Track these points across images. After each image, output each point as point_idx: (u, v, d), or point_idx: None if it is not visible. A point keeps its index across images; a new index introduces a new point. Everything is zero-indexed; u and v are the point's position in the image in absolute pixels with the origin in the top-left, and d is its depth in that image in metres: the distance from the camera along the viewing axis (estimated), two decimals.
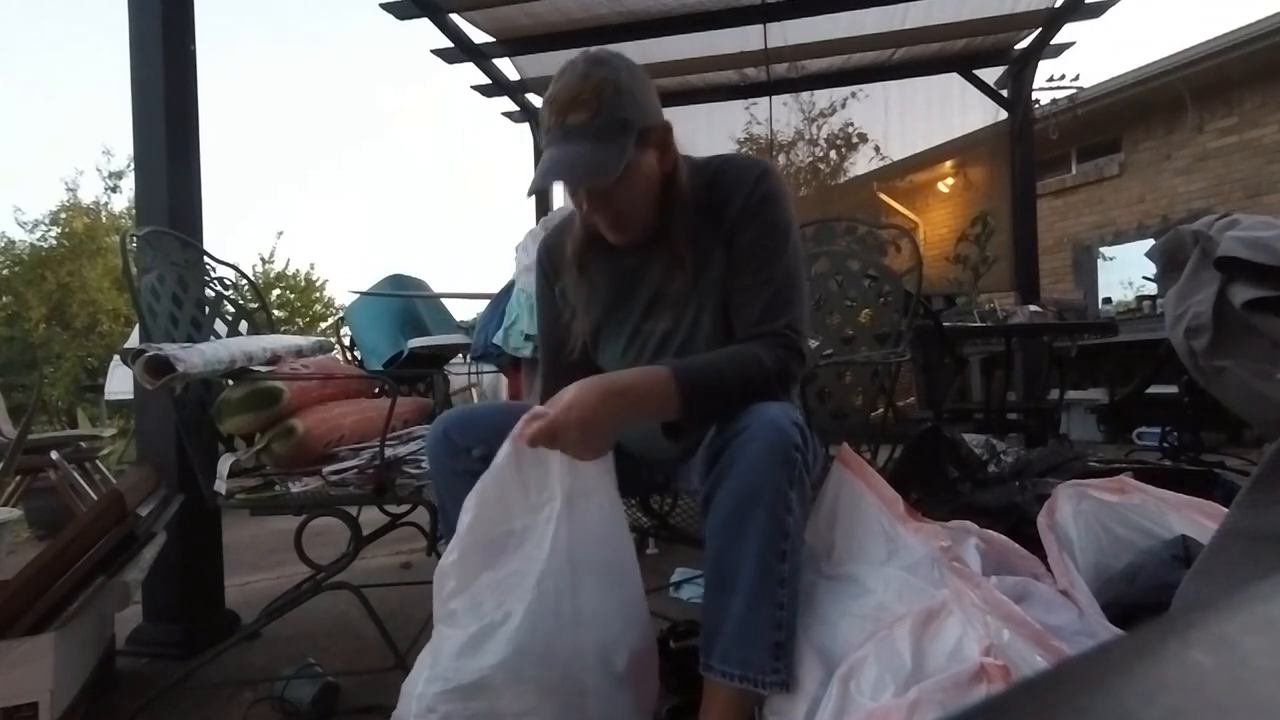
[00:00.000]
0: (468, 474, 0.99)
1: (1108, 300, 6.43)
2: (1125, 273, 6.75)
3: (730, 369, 0.99)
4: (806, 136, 5.76)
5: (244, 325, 1.84)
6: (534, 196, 4.72)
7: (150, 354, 1.25)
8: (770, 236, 1.08)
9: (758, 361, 1.00)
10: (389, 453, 1.45)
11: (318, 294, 10.87)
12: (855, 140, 5.44)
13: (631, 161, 1.00)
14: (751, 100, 4.68)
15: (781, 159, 5.42)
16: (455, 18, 3.56)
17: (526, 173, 4.90)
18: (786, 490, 0.91)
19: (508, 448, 0.94)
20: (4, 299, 9.18)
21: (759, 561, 0.90)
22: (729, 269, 1.09)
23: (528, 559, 0.92)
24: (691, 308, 1.11)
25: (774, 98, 4.65)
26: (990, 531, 1.08)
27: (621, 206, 1.06)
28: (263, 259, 10.32)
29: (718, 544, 0.94)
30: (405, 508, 1.73)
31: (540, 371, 1.33)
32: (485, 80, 4.18)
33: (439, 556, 0.96)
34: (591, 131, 0.98)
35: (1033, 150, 4.19)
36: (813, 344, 1.68)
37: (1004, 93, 4.19)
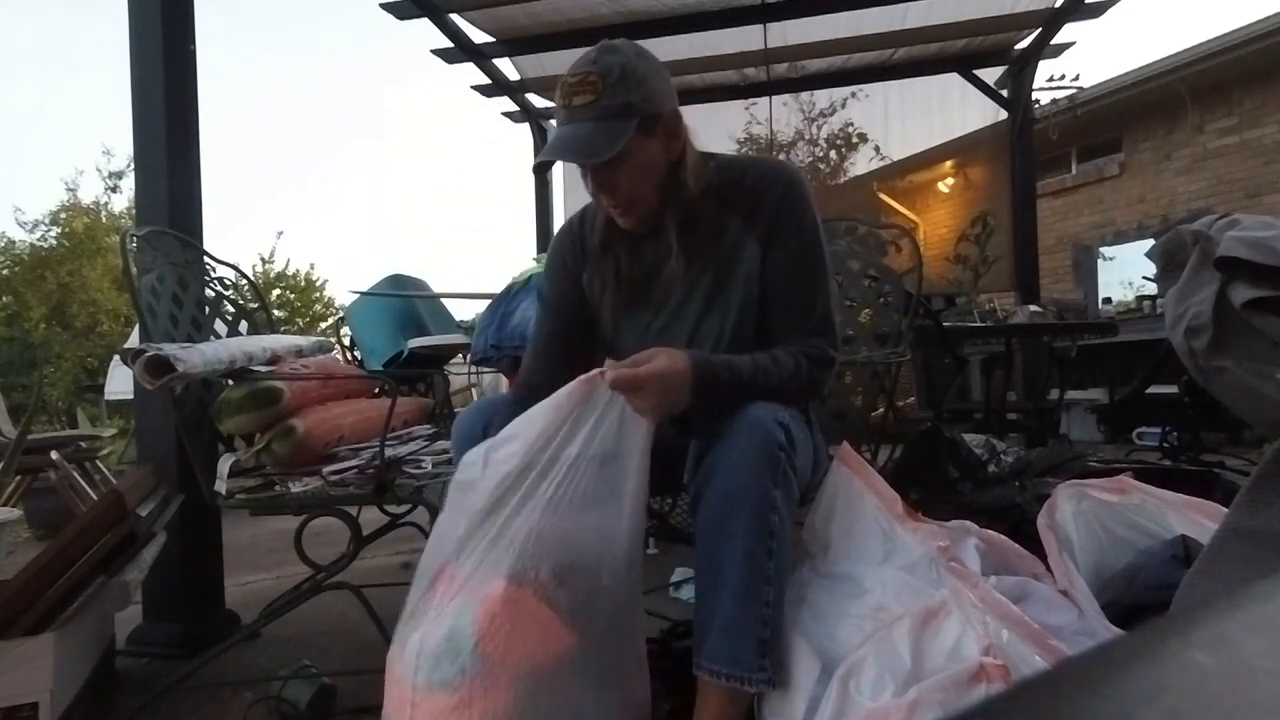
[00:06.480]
0: None
1: (1108, 300, 6.42)
2: (1125, 273, 6.75)
3: (772, 373, 1.03)
4: (806, 136, 5.77)
5: (244, 325, 1.83)
6: (535, 202, 4.78)
7: (150, 354, 1.25)
8: (811, 249, 1.12)
9: (796, 372, 1.05)
10: (389, 453, 1.45)
11: (318, 294, 10.86)
12: (855, 140, 5.45)
13: (633, 144, 1.01)
14: (751, 100, 4.68)
15: (781, 159, 5.43)
16: (455, 18, 3.55)
17: (526, 172, 4.92)
18: (771, 489, 0.93)
19: (573, 387, 0.93)
20: (4, 299, 9.17)
21: (745, 560, 0.92)
22: (766, 274, 1.12)
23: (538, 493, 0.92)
24: (720, 303, 1.14)
25: (774, 98, 4.65)
26: (990, 531, 1.08)
27: (625, 188, 1.07)
28: (263, 259, 10.32)
29: (706, 544, 0.96)
30: (405, 508, 1.73)
31: (530, 348, 1.30)
32: (485, 80, 4.18)
33: None
34: (594, 113, 1.01)
35: (1033, 150, 4.19)
36: None
37: (1004, 93, 4.19)
